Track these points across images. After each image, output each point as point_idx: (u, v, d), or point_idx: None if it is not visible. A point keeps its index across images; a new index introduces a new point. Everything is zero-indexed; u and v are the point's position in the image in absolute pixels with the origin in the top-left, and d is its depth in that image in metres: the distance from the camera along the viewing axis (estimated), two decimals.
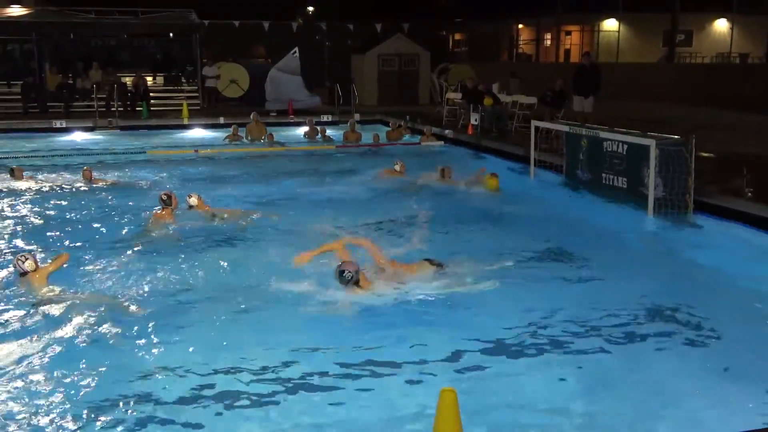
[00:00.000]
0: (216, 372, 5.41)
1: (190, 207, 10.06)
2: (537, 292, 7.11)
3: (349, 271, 6.70)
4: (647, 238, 9.21)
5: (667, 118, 18.60)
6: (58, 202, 11.33)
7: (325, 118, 21.48)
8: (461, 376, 5.36)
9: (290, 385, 5.23)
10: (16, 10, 26.17)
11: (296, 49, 23.89)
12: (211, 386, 5.20)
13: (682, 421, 4.74)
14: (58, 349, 5.79)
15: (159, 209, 9.74)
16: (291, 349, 5.78)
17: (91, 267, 7.90)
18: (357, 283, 6.73)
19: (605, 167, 11.17)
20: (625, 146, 10.69)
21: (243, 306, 6.76)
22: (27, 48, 26.60)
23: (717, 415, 4.78)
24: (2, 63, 28.36)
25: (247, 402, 5.00)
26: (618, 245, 8.79)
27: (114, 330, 6.13)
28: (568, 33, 41.03)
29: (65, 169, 14.12)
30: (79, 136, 19.20)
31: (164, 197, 9.74)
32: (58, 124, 20.00)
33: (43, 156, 15.82)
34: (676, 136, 10.21)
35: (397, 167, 12.88)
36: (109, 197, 11.68)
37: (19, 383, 5.23)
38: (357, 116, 21.02)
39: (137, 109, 22.82)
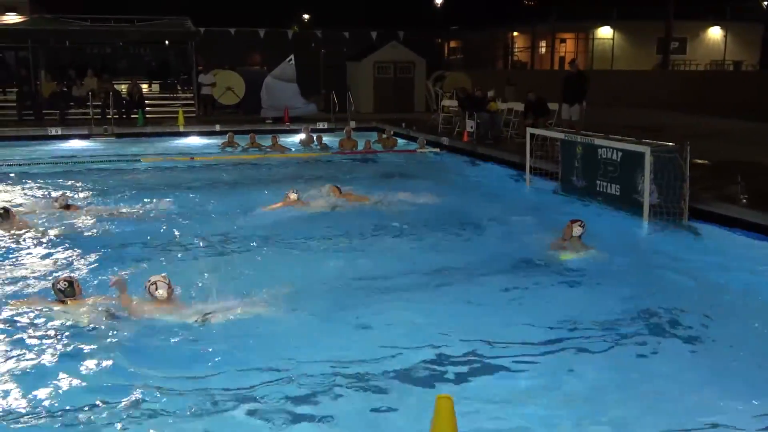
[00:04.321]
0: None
1: (66, 208, 9.97)
2: (531, 298, 7.12)
3: (62, 282, 6.39)
4: (643, 245, 9.23)
5: (662, 125, 18.65)
6: None
7: (321, 125, 21.51)
8: (457, 382, 5.36)
9: (278, 395, 5.16)
10: (11, 18, 26.16)
11: (292, 56, 23.90)
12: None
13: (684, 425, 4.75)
14: None
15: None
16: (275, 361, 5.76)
17: None
18: (68, 295, 6.33)
19: (600, 174, 11.20)
20: (620, 153, 10.72)
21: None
22: (22, 55, 26.53)
23: (719, 419, 4.79)
24: None
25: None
26: (613, 251, 8.79)
27: None
28: (563, 41, 41.16)
29: None
30: (75, 144, 19.18)
31: (0, 212, 9.23)
32: (53, 131, 19.97)
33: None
34: (670, 143, 10.25)
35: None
36: None
37: None
38: (353, 124, 21.06)
39: (133, 116, 22.82)
